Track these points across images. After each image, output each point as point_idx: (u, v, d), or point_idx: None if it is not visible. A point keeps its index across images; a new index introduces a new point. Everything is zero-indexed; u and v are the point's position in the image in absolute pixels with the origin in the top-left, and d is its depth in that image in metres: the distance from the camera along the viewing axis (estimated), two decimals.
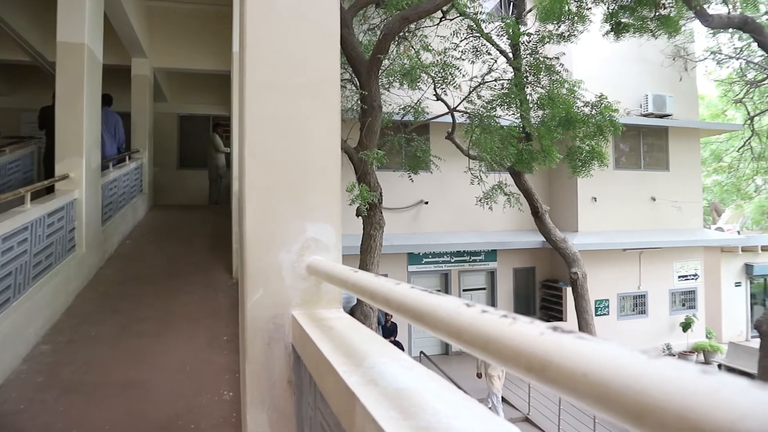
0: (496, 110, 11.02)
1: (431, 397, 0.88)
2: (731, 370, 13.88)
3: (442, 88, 10.90)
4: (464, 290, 14.55)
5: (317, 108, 1.78)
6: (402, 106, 11.18)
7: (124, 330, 4.90)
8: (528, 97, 11.19)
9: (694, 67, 15.82)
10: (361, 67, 8.91)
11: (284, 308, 1.72)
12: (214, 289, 6.10)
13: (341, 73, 10.20)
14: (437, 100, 11.21)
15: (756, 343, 9.99)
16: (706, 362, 15.44)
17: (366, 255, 9.35)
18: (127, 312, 5.29)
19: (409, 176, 11.23)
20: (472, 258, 14.47)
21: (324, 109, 1.80)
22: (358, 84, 9.38)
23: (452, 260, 14.26)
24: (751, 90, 15.97)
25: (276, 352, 1.72)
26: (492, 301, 14.88)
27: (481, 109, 10.97)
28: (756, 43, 11.10)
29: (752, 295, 18.54)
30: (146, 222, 9.16)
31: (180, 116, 13.11)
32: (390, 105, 10.98)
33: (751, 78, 15.89)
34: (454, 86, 10.85)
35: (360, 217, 9.29)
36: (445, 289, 14.24)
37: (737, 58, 15.55)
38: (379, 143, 9.78)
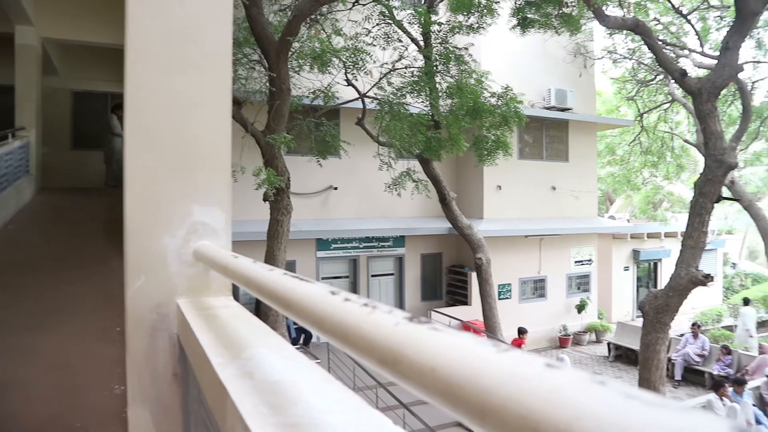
0: (405, 97, 11.11)
1: (307, 390, 0.84)
2: (619, 347, 14.94)
3: (353, 74, 10.85)
4: (372, 276, 14.66)
5: (206, 85, 1.68)
6: (312, 90, 11.02)
7: (1, 325, 4.51)
8: (437, 86, 11.35)
9: (592, 64, 16.65)
10: (270, 48, 8.67)
11: (169, 296, 1.62)
12: (109, 277, 5.73)
13: (249, 54, 9.90)
14: (348, 85, 11.15)
15: (640, 322, 10.77)
16: (598, 341, 16.54)
17: (273, 241, 9.18)
18: (6, 305, 4.88)
19: (318, 161, 11.12)
20: (381, 244, 14.60)
21: (214, 86, 1.69)
22: (267, 66, 9.12)
23: (361, 246, 14.31)
24: (642, 89, 17.06)
25: (160, 343, 1.62)
26: (400, 287, 15.10)
27: (391, 95, 11.02)
28: (646, 46, 11.82)
29: (638, 279, 20.01)
30: (33, 206, 8.49)
31: (74, 93, 12.21)
32: (300, 88, 10.80)
33: (641, 78, 16.95)
34: (365, 72, 10.83)
35: (267, 203, 9.09)
36: (354, 275, 14.29)
37: (630, 59, 16.52)
38: (288, 127, 9.60)
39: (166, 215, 1.61)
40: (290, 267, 12.77)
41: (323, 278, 13.90)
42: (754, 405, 9.98)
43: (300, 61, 10.10)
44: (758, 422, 9.60)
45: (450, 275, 15.89)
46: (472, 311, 14.42)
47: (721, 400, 9.47)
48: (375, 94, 11.38)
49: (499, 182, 14.93)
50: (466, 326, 13.76)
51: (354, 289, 14.33)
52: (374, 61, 10.87)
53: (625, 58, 16.66)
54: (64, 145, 11.85)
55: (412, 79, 11.19)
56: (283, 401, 0.80)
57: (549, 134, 16.10)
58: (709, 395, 9.88)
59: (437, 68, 11.32)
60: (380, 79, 11.30)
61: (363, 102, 11.53)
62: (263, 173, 8.31)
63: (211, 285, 1.66)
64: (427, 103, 11.40)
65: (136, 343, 1.61)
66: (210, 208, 1.67)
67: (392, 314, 0.48)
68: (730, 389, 9.66)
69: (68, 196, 9.54)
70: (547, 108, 15.64)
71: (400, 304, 15.11)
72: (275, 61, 8.60)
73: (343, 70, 10.75)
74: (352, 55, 10.39)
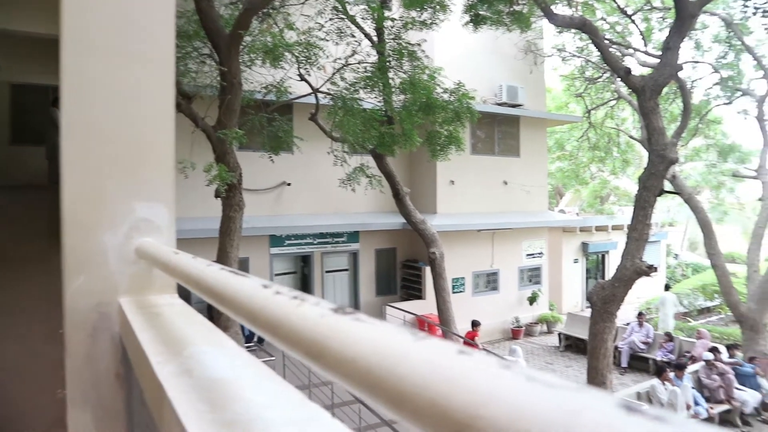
0: (359, 93, 11.10)
1: (247, 387, 0.83)
2: (569, 337, 15.34)
3: (306, 69, 10.77)
4: (327, 272, 14.62)
5: (148, 78, 1.63)
6: (264, 85, 10.88)
7: None
8: (390, 82, 11.38)
9: (542, 62, 16.99)
10: (221, 42, 8.51)
11: (111, 295, 1.57)
12: (54, 276, 5.54)
13: (199, 48, 9.70)
14: (301, 80, 11.06)
15: (589, 312, 11.09)
16: (549, 331, 16.96)
17: (225, 237, 9.04)
18: None
19: (270, 157, 11.00)
20: (335, 240, 14.56)
21: (156, 79, 1.65)
22: (218, 60, 8.95)
23: (315, 242, 14.23)
24: (590, 86, 17.50)
25: (101, 343, 1.58)
26: (354, 282, 15.10)
27: (345, 91, 10.99)
28: (593, 44, 12.13)
29: (587, 270, 20.60)
30: None
31: (12, 85, 11.70)
32: (252, 83, 10.63)
33: (589, 75, 17.39)
34: (318, 67, 10.76)
35: (219, 199, 8.94)
36: (309, 272, 14.21)
37: (578, 57, 16.93)
38: (240, 122, 9.46)
39: (106, 212, 1.56)
40: (243, 264, 12.61)
41: (276, 275, 13.79)
42: (693, 388, 10.44)
43: (252, 55, 9.94)
44: (696, 404, 10.05)
45: (404, 270, 15.98)
46: (427, 305, 14.56)
47: (664, 384, 9.85)
48: (328, 89, 11.33)
49: (452, 177, 15.09)
50: (421, 320, 13.88)
51: (306, 285, 14.27)
52: (327, 56, 10.82)
53: (573, 56, 17.06)
54: (2, 140, 11.36)
55: (366, 74, 11.19)
56: (222, 398, 0.80)
57: (501, 130, 16.36)
58: (652, 380, 10.27)
59: (390, 64, 11.34)
60: (333, 74, 11.26)
61: (316, 97, 11.47)
62: (214, 169, 8.17)
63: (154, 283, 1.62)
64: (381, 98, 11.42)
65: (76, 344, 1.56)
66: (153, 204, 1.63)
67: (319, 306, 0.49)
68: (672, 374, 10.05)
69: (7, 194, 9.15)
70: (499, 104, 15.88)
71: (355, 299, 15.13)
72: (226, 55, 8.46)
73: (296, 65, 10.65)
74: (305, 50, 10.31)
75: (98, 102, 1.57)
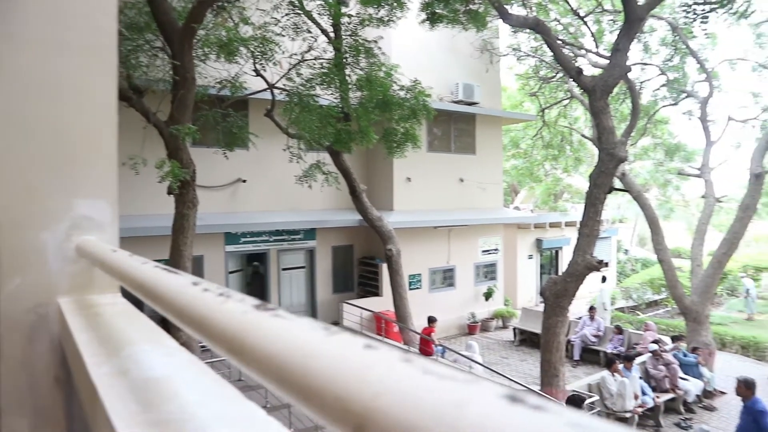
0: (315, 89, 11.05)
1: (183, 386, 0.82)
2: (524, 332, 15.63)
3: (262, 64, 10.65)
4: (283, 269, 14.50)
5: (89, 69, 1.58)
6: (219, 80, 10.71)
7: None
8: (347, 78, 11.36)
9: (498, 60, 17.23)
10: (174, 35, 8.34)
11: (49, 296, 1.52)
12: None
13: (151, 41, 9.48)
14: (256, 75, 10.93)
15: (542, 307, 11.33)
16: (504, 326, 17.25)
17: (179, 235, 8.89)
18: None
19: (225, 153, 10.85)
20: (291, 237, 14.45)
21: (97, 70, 1.60)
22: (170, 53, 8.76)
23: (271, 239, 14.10)
24: (544, 85, 17.86)
25: (39, 346, 1.52)
26: (311, 280, 15.03)
27: (301, 87, 10.92)
28: (546, 44, 12.38)
29: (542, 266, 21.04)
30: None
31: None
32: (206, 78, 10.45)
33: (543, 75, 17.73)
34: (274, 62, 10.65)
35: (172, 196, 8.76)
36: (264, 270, 14.06)
37: (533, 56, 17.24)
38: (193, 118, 9.30)
39: (43, 209, 1.51)
40: (198, 262, 12.39)
41: (231, 272, 13.61)
42: (640, 378, 10.79)
43: (206, 49, 9.76)
44: (643, 393, 10.39)
45: (361, 267, 16.00)
46: (384, 302, 14.61)
47: (613, 375, 10.15)
48: (284, 85, 11.23)
49: (409, 174, 15.17)
50: (378, 317, 13.93)
51: (262, 283, 14.14)
52: (283, 52, 10.72)
53: (528, 55, 17.35)
54: None
55: (322, 70, 11.14)
56: (156, 398, 0.78)
57: (457, 127, 16.53)
58: (602, 372, 10.57)
59: (347, 60, 11.32)
60: (289, 69, 11.17)
61: (272, 93, 11.35)
62: (167, 165, 8.01)
63: (95, 282, 1.57)
64: (337, 95, 11.40)
65: (12, 348, 1.50)
66: (94, 201, 1.58)
67: (243, 302, 0.48)
68: (621, 366, 10.36)
69: None
70: (455, 102, 16.03)
71: (312, 297, 15.06)
72: (179, 48, 8.30)
73: (252, 60, 10.52)
74: (261, 45, 10.19)
75: (32, 94, 1.51)
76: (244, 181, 13.40)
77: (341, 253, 15.63)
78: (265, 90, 11.33)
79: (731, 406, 10.11)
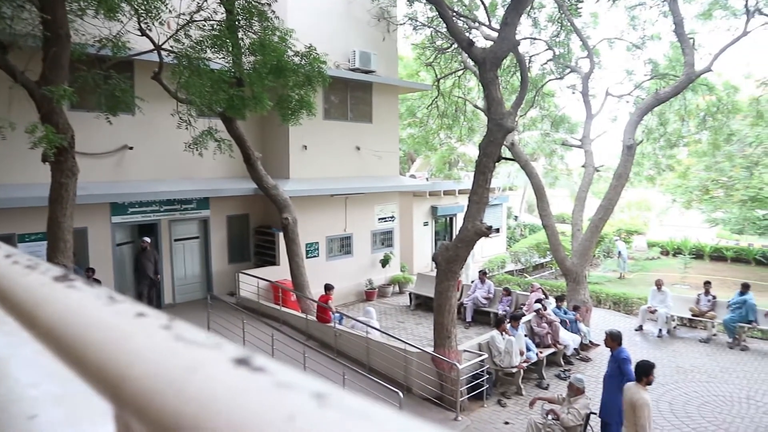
0: (206, 52, 10.58)
1: (18, 366, 0.79)
2: (419, 296, 16.14)
3: (147, 23, 10.02)
4: (176, 240, 13.99)
5: None
6: (98, 38, 9.96)
7: None
8: (240, 42, 10.97)
9: (395, 29, 17.26)
10: None
11: None
12: None
13: None
14: (141, 35, 10.27)
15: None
16: (401, 292, 17.73)
17: (56, 206, 8.29)
18: None
19: (107, 118, 10.19)
20: (184, 206, 13.93)
21: None
22: (38, 5, 8.02)
23: (162, 209, 13.51)
24: (439, 56, 18.14)
25: None
26: (205, 250, 14.64)
27: (190, 49, 10.40)
28: (439, 15, 12.54)
29: (437, 233, 21.75)
30: None
31: None
32: (83, 35, 9.69)
33: (439, 45, 18.00)
34: (160, 22, 10.05)
35: (47, 164, 8.14)
36: (155, 241, 13.48)
37: (429, 26, 17.43)
38: (70, 79, 8.64)
39: None
40: (81, 234, 11.68)
41: (119, 244, 12.94)
42: (526, 335, 11.55)
43: (82, 3, 9.01)
44: (529, 349, 11.15)
45: (258, 236, 15.78)
46: (281, 271, 14.53)
47: (502, 335, 10.78)
48: (172, 46, 10.64)
49: (305, 142, 15.00)
50: (275, 286, 13.84)
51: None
52: (170, 11, 10.13)
53: (424, 25, 17.52)
54: None
55: (213, 32, 10.66)
56: None
57: (354, 95, 16.49)
58: (492, 331, 11.19)
59: (239, 23, 10.90)
60: (177, 30, 10.58)
61: (159, 55, 10.73)
62: (40, 130, 7.42)
63: None
64: (229, 59, 10.99)
65: None
66: None
67: (45, 274, 0.48)
68: (509, 325, 11.01)
69: None
70: (352, 69, 15.95)
71: (207, 267, 14.69)
72: (49, 0, 7.62)
73: (135, 18, 9.86)
74: (145, 2, 9.56)
75: None
76: (131, 147, 12.67)
77: (236, 222, 15.30)
78: (151, 51, 10.69)
79: (603, 356, 11.03)
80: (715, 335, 13.96)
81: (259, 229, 15.74)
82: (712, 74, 15.78)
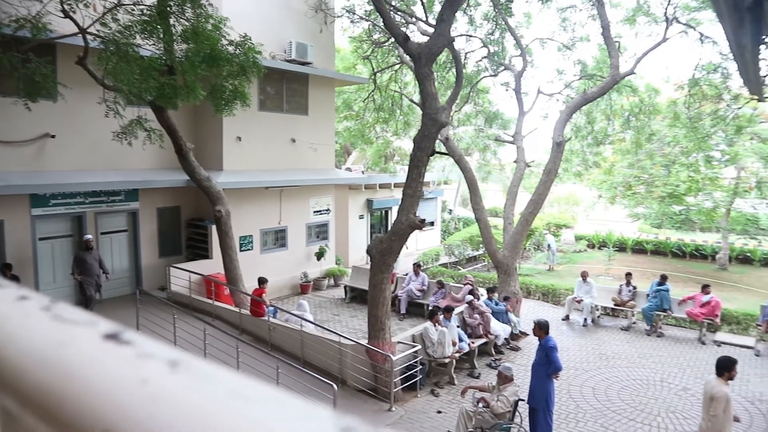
0: (135, 38, 10.17)
1: None
2: (354, 289, 16.19)
3: (70, 4, 9.55)
4: (102, 233, 13.45)
5: None
6: (15, 18, 9.39)
7: None
8: (172, 29, 10.62)
9: (332, 21, 17.17)
10: None
11: None
12: None
13: None
14: (65, 17, 9.78)
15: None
16: (336, 285, 17.74)
17: None
18: None
19: (26, 104, 9.67)
20: (111, 198, 13.40)
21: None
22: None
23: (87, 201, 12.95)
24: (376, 49, 18.17)
25: None
26: (135, 244, 14.16)
27: (118, 34, 9.97)
28: (375, 9, 12.57)
29: (372, 226, 21.87)
30: None
31: None
32: None
33: (376, 39, 18.04)
34: (85, 3, 9.61)
35: None
36: (80, 234, 12.91)
37: (366, 20, 17.43)
38: None
39: None
40: None
41: (41, 239, 12.33)
42: (458, 326, 11.83)
43: None
44: (461, 340, 11.42)
45: (190, 229, 15.41)
46: (214, 264, 14.26)
47: (435, 326, 11.00)
48: (98, 31, 10.16)
49: (239, 133, 14.74)
50: (207, 280, 13.58)
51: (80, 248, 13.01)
52: None
53: (361, 18, 17.51)
54: None
55: (143, 17, 10.26)
56: None
57: (289, 87, 16.32)
58: (426, 323, 11.39)
59: (171, 9, 10.55)
60: (104, 14, 10.12)
61: (84, 39, 10.25)
62: None
63: None
64: (160, 46, 10.62)
65: None
66: None
67: None
68: (442, 316, 11.24)
69: None
70: (288, 61, 15.77)
71: (136, 262, 14.23)
72: None
73: None
74: None
75: None
76: (53, 136, 12.07)
77: (167, 215, 14.87)
78: (75, 35, 10.19)
79: (532, 345, 11.44)
80: (634, 323, 14.75)
81: (191, 222, 15.37)
82: (636, 77, 16.60)
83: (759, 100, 12.59)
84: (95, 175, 12.58)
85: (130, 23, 10.11)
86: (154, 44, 10.57)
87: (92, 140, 12.56)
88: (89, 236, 12.18)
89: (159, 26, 10.26)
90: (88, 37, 10.24)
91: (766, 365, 12.20)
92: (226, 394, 0.26)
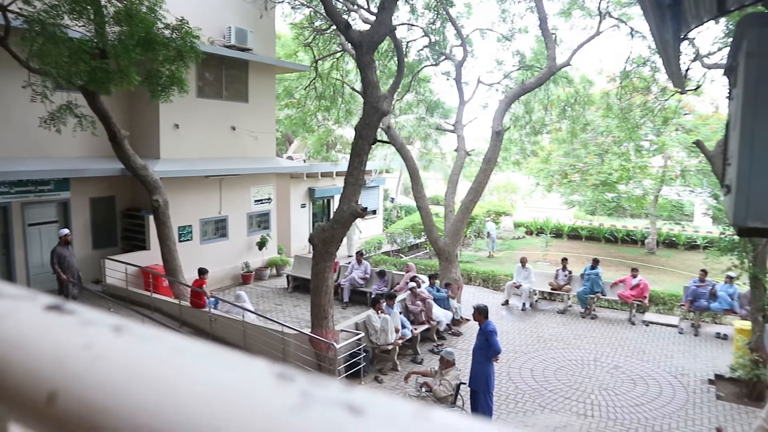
0: (63, 18, 9.67)
1: None
2: (297, 278, 16.10)
3: None
4: (30, 225, 12.82)
5: None
6: None
7: None
8: (103, 10, 10.17)
9: (273, 7, 16.86)
10: None
11: None
12: None
13: None
14: None
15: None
16: (278, 274, 17.58)
17: None
18: None
19: None
20: (39, 188, 12.77)
21: None
22: None
23: (12, 191, 12.28)
24: (317, 37, 18.00)
25: None
26: None
27: (44, 14, 9.46)
28: None
29: (314, 215, 21.76)
30: None
31: None
32: None
33: (317, 26, 17.86)
34: None
35: None
36: (5, 226, 12.27)
37: (307, 6, 17.23)
38: None
39: None
40: None
41: None
42: (401, 313, 11.97)
43: None
44: (404, 326, 11.57)
45: (125, 219, 14.90)
46: (151, 256, 13.86)
47: (378, 313, 11.09)
48: (21, 9, 9.61)
49: (177, 121, 14.33)
50: (145, 272, 13.21)
51: (6, 241, 12.38)
52: None
53: (302, 5, 17.29)
54: None
55: None
56: None
57: (229, 73, 15.98)
58: (368, 311, 11.48)
59: None
60: None
61: (5, 17, 9.68)
62: None
63: None
64: (91, 27, 10.16)
65: None
66: None
67: None
68: (384, 304, 11.34)
69: None
70: (227, 46, 15.42)
71: None
72: None
73: None
74: None
75: None
76: None
77: (101, 205, 14.32)
78: None
79: (473, 330, 11.71)
80: (570, 306, 15.33)
81: (127, 212, 14.86)
82: (571, 68, 17.11)
83: (681, 93, 13.26)
84: (20, 164, 11.93)
85: (56, 2, 9.61)
86: (84, 26, 10.10)
87: (17, 126, 11.92)
88: (66, 230, 11.62)
89: (89, 6, 9.81)
90: (10, 15, 9.68)
91: (689, 342, 12.96)
92: (169, 351, 0.28)
